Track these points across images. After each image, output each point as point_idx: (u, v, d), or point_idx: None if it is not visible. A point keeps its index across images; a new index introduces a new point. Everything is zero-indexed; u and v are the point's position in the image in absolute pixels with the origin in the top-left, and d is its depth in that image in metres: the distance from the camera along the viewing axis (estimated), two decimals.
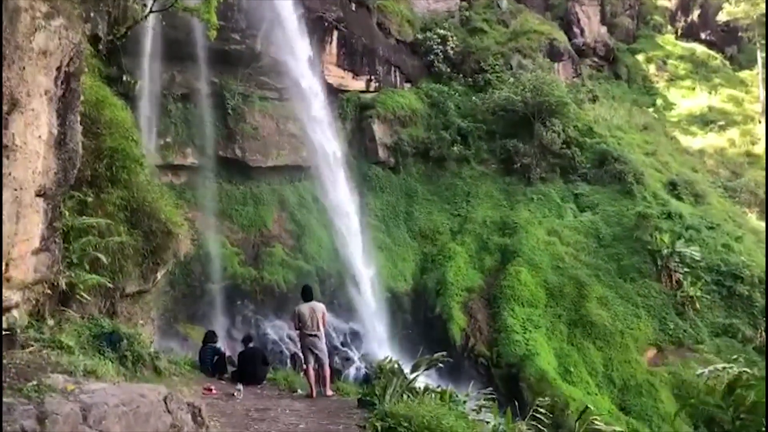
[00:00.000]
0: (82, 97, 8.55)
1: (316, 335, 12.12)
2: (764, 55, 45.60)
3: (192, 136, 27.32)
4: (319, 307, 12.40)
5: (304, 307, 12.25)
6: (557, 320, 26.42)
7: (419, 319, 28.02)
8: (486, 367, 25.45)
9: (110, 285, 10.13)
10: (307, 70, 29.52)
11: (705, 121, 43.79)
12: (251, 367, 13.68)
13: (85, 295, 9.39)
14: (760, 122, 43.19)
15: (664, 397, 23.70)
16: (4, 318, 7.23)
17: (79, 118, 8.43)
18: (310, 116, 29.78)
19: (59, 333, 8.12)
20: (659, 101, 46.06)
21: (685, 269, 27.24)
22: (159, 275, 11.99)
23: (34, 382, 5.38)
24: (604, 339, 25.51)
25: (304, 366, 12.40)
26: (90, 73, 11.35)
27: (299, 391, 12.77)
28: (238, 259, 26.47)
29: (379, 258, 28.99)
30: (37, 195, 7.66)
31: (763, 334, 25.18)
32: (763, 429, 4.75)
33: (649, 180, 32.32)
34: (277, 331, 25.18)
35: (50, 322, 8.46)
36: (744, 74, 49.72)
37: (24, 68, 6.93)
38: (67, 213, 9.21)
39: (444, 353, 9.88)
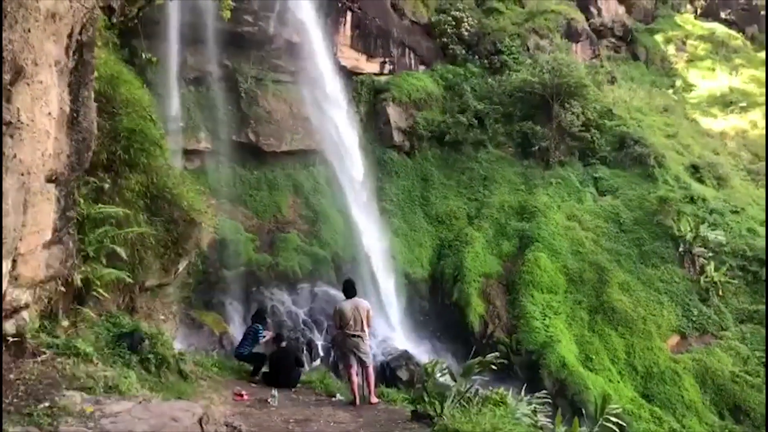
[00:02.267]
0: (95, 73, 7.72)
1: (359, 336, 10.94)
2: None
3: (205, 120, 26.89)
4: (363, 304, 11.19)
5: (347, 305, 11.02)
6: (578, 307, 25.93)
7: (436, 305, 27.59)
8: (505, 355, 24.98)
9: (130, 279, 9.41)
10: (321, 53, 28.93)
11: (726, 102, 42.78)
12: (284, 368, 12.73)
13: (102, 292, 8.68)
14: None
15: (687, 385, 23.22)
16: (12, 321, 6.45)
17: (93, 95, 7.60)
18: (324, 99, 29.22)
19: (74, 336, 7.36)
20: (678, 82, 45.05)
21: (709, 254, 26.64)
22: (180, 267, 11.20)
23: (47, 404, 4.70)
24: (626, 326, 25.01)
25: (344, 369, 11.38)
26: (104, 47, 10.49)
27: (338, 396, 11.78)
28: (252, 246, 26.08)
29: (396, 244, 28.53)
30: (48, 181, 6.80)
31: None
32: None
33: (671, 163, 31.60)
34: (293, 318, 24.84)
35: (64, 322, 7.75)
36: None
37: (29, 31, 5.96)
38: (81, 201, 8.38)
39: (497, 354, 9.15)
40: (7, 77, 5.67)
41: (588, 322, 25.47)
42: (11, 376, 5.40)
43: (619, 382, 23.35)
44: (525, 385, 13.07)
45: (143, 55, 18.10)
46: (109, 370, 6.64)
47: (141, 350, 8.58)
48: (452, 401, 8.41)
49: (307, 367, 20.42)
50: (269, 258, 26.09)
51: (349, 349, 10.96)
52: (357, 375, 11.03)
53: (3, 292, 6.10)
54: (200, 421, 5.04)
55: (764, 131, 40.34)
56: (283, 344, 13.56)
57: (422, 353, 24.68)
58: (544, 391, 10.57)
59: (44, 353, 6.41)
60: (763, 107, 41.92)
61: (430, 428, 7.89)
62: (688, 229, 26.69)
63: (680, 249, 26.89)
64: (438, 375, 9.53)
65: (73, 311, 8.19)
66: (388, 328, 25.87)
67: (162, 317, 11.08)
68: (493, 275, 27.32)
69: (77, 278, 7.92)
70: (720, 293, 25.78)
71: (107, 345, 8.18)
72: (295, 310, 24.98)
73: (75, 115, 7.21)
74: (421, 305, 27.67)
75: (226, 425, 5.43)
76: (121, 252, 9.09)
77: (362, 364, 11.01)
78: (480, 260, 27.67)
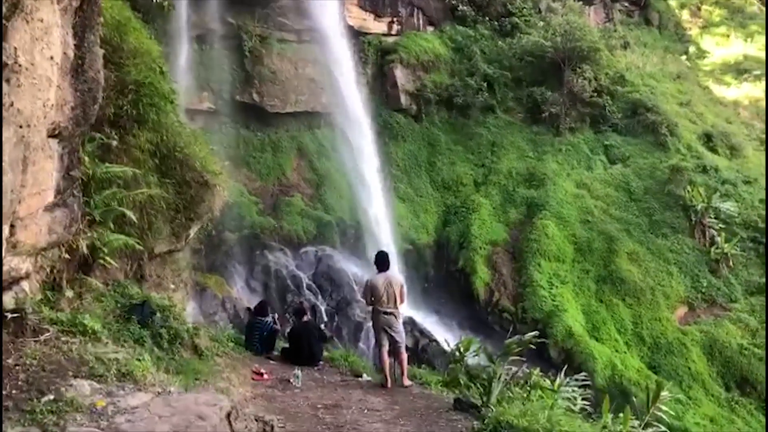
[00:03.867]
0: (101, 18, 6.95)
1: (392, 313, 10.22)
2: None
3: (208, 79, 26.16)
4: (397, 279, 10.55)
5: (379, 279, 10.26)
6: (585, 276, 25.58)
7: (441, 272, 27.25)
8: (511, 323, 24.69)
9: (140, 246, 8.67)
10: (328, 11, 28.03)
11: (740, 70, 41.81)
12: (306, 345, 11.98)
13: (109, 260, 8.02)
14: None
15: (695, 357, 23.00)
16: (11, 294, 5.80)
17: (99, 41, 6.86)
18: (330, 60, 28.38)
19: (80, 310, 6.68)
20: (692, 49, 43.99)
21: (720, 225, 26.18)
22: (192, 232, 10.53)
23: (51, 397, 4.08)
24: (634, 296, 24.68)
25: (376, 347, 10.87)
26: None
27: (365, 376, 11.09)
28: (256, 209, 25.66)
29: (401, 209, 28.07)
30: (50, 136, 6.07)
31: None
32: None
33: (683, 131, 30.93)
34: (297, 282, 24.54)
35: (69, 293, 7.08)
36: None
37: None
38: (86, 159, 7.64)
39: (536, 333, 8.69)
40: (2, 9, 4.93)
41: (595, 292, 25.15)
42: (9, 360, 4.71)
43: (625, 352, 23.12)
44: (531, 354, 12.72)
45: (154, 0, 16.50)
46: (121, 351, 5.99)
47: (152, 324, 7.99)
48: (498, 387, 7.74)
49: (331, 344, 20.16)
50: (273, 221, 25.70)
51: (381, 328, 10.29)
52: (388, 355, 10.33)
53: (1, 260, 5.50)
54: (228, 416, 4.49)
55: None
56: (305, 318, 12.80)
57: (426, 320, 24.44)
58: (583, 374, 10.09)
59: (47, 331, 5.73)
60: None
61: (478, 420, 7.12)
62: (700, 199, 26.15)
63: (691, 219, 26.42)
64: (471, 355, 9.01)
65: (77, 281, 7.57)
66: None
67: (172, 286, 10.45)
68: (500, 243, 26.91)
69: (83, 244, 7.25)
70: (730, 265, 25.40)
71: (116, 319, 7.57)
72: (299, 274, 24.68)
73: (80, 62, 6.45)
74: (425, 272, 27.33)
75: (256, 419, 4.86)
76: (131, 215, 8.38)
77: (394, 343, 10.31)
78: (486, 227, 27.23)
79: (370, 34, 31.76)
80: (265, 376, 10.16)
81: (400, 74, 31.33)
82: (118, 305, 7.94)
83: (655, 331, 23.75)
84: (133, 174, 8.78)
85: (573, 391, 8.67)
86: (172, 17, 22.49)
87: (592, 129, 31.51)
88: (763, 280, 25.11)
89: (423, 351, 21.79)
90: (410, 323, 23.09)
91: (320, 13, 27.73)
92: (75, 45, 6.31)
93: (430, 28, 34.59)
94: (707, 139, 31.40)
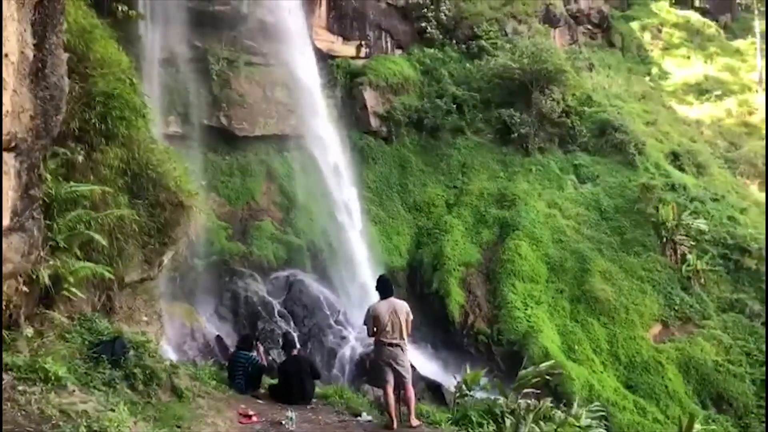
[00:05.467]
0: (64, 18, 6.25)
1: (398, 345, 9.22)
2: (765, 24, 44.50)
3: (174, 103, 25.65)
4: (402, 306, 9.48)
5: (382, 306, 9.36)
6: (559, 296, 25.45)
7: (415, 294, 26.78)
8: (486, 345, 24.48)
9: (110, 274, 7.82)
10: (296, 34, 27.85)
11: (701, 90, 42.69)
12: (297, 382, 10.92)
13: (75, 290, 7.20)
14: (757, 92, 42.23)
15: (671, 375, 22.91)
16: None
17: (62, 44, 6.18)
18: (298, 83, 28.17)
19: (41, 352, 5.85)
20: (654, 70, 44.82)
21: (691, 242, 26.35)
22: (166, 258, 9.72)
23: None
24: (609, 315, 24.60)
25: (380, 384, 9.53)
26: None
27: (365, 415, 10.05)
28: (225, 234, 25.09)
29: (373, 232, 27.74)
30: (6, 149, 5.35)
31: None
32: None
33: (651, 150, 31.29)
34: (268, 308, 23.93)
35: (28, 331, 6.34)
36: (739, 43, 48.59)
37: None
38: (48, 177, 6.86)
39: (553, 362, 8.21)
40: None
41: (570, 312, 25.02)
42: None
43: (602, 372, 22.93)
44: (506, 377, 12.30)
45: (119, 9, 15.39)
46: (90, 401, 5.24)
47: (125, 363, 7.21)
48: (527, 427, 6.82)
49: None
50: (242, 246, 25.21)
51: (385, 362, 9.23)
52: (393, 392, 9.27)
53: None
54: None
55: (738, 120, 40.52)
56: (295, 352, 11.71)
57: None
58: (597, 404, 9.62)
59: (1, 380, 5.00)
60: (738, 96, 42.05)
61: None
62: (671, 216, 26.34)
63: (662, 237, 26.55)
64: (478, 389, 8.37)
65: (38, 316, 6.79)
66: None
67: (145, 318, 9.63)
68: (473, 264, 26.69)
69: (44, 274, 6.46)
70: (702, 282, 25.53)
71: (83, 360, 6.80)
72: (270, 300, 24.10)
73: (41, 65, 5.75)
74: (399, 294, 26.85)
75: None
76: (100, 240, 7.52)
77: (400, 378, 9.26)
78: (459, 249, 27.02)
79: (339, 56, 31.70)
80: (254, 418, 9.21)
81: (370, 96, 31.22)
82: (86, 343, 7.19)
83: (630, 350, 23.66)
84: (101, 194, 8.03)
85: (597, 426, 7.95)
86: (139, 42, 22.01)
87: (561, 149, 31.69)
88: (735, 296, 25.30)
89: (457, 397, 21.26)
90: None
91: (288, 36, 27.57)
92: (35, 45, 5.63)
93: (398, 51, 34.71)
94: (674, 157, 31.82)
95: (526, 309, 24.65)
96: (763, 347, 23.65)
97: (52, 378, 5.39)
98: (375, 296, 25.94)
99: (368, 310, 9.57)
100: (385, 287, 9.72)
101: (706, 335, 24.06)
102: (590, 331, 24.26)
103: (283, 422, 8.97)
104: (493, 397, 7.88)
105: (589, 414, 7.31)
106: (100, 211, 7.94)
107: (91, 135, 8.52)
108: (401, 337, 9.24)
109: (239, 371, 11.35)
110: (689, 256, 25.90)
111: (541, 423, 6.39)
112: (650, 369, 23.06)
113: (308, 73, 28.24)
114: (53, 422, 4.38)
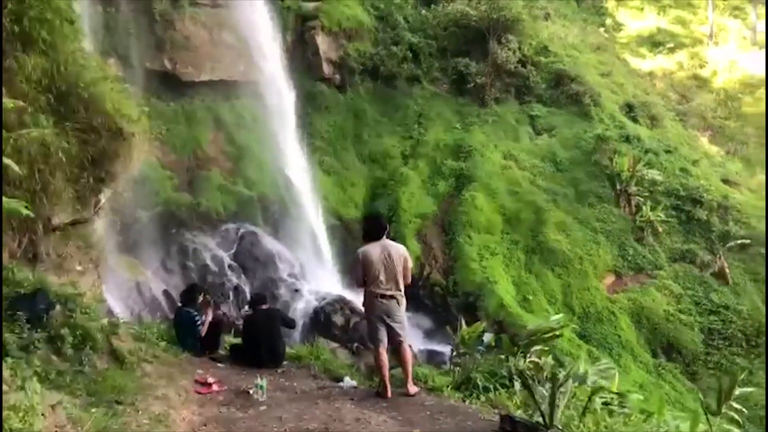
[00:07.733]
0: None
1: (393, 296, 7.66)
2: None
3: (115, 45, 23.93)
4: (398, 249, 7.92)
5: (374, 250, 7.71)
6: (515, 247, 25.33)
7: None
8: (442, 297, 24.28)
9: (28, 212, 5.99)
10: None
11: (654, 42, 42.73)
12: (267, 340, 9.36)
13: None
14: (708, 45, 42.50)
15: (623, 325, 23.21)
16: None
17: None
18: (247, 26, 26.65)
19: None
20: (608, 21, 44.53)
21: (645, 194, 26.49)
22: (103, 198, 8.31)
23: None
24: (563, 266, 24.65)
25: (371, 344, 8.00)
26: None
27: (347, 380, 8.46)
28: (171, 184, 23.91)
29: (327, 183, 26.92)
30: None
31: (721, 260, 24.82)
32: None
33: (606, 102, 31.15)
34: (218, 261, 23.09)
35: None
36: None
37: None
38: None
39: (560, 316, 7.60)
40: None
41: (525, 263, 24.95)
42: None
43: None
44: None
45: None
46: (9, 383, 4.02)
47: (49, 322, 5.94)
48: (564, 397, 5.51)
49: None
50: (189, 197, 24.11)
51: (377, 316, 7.70)
52: (386, 352, 7.75)
53: None
54: None
55: (689, 72, 40.79)
56: (264, 306, 10.14)
57: (357, 297, 23.55)
58: (605, 362, 9.11)
59: None
60: (689, 49, 42.24)
61: None
62: (626, 167, 26.33)
63: (617, 188, 26.63)
64: (480, 344, 7.54)
65: None
66: (322, 272, 24.51)
67: (78, 267, 8.02)
68: (429, 216, 26.28)
69: None
70: (655, 232, 25.76)
71: None
72: (220, 254, 23.23)
73: None
74: (354, 247, 26.22)
75: None
76: (15, 168, 5.64)
77: (395, 337, 7.75)
78: (415, 200, 26.52)
79: None
80: (214, 387, 7.79)
81: (322, 42, 29.95)
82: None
83: (584, 301, 23.81)
84: (14, 109, 6.27)
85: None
86: None
87: (517, 100, 31.25)
88: (686, 246, 25.69)
89: (354, 330, 20.87)
90: (340, 301, 22.21)
91: None
92: None
93: None
94: (629, 109, 31.75)
95: (481, 260, 24.46)
96: (712, 297, 24.16)
97: None
98: (328, 248, 25.36)
99: (357, 255, 7.87)
100: (375, 227, 8.13)
101: (657, 285, 24.40)
102: (545, 281, 24.29)
103: (251, 391, 7.63)
104: (500, 357, 7.22)
105: (598, 373, 6.75)
106: (15, 130, 6.47)
107: (6, 39, 6.94)
108: (396, 288, 7.69)
109: (185, 330, 9.88)
110: (643, 208, 26.03)
111: (562, 388, 5.67)
112: (603, 319, 23.28)
113: (257, 16, 26.75)
114: None
